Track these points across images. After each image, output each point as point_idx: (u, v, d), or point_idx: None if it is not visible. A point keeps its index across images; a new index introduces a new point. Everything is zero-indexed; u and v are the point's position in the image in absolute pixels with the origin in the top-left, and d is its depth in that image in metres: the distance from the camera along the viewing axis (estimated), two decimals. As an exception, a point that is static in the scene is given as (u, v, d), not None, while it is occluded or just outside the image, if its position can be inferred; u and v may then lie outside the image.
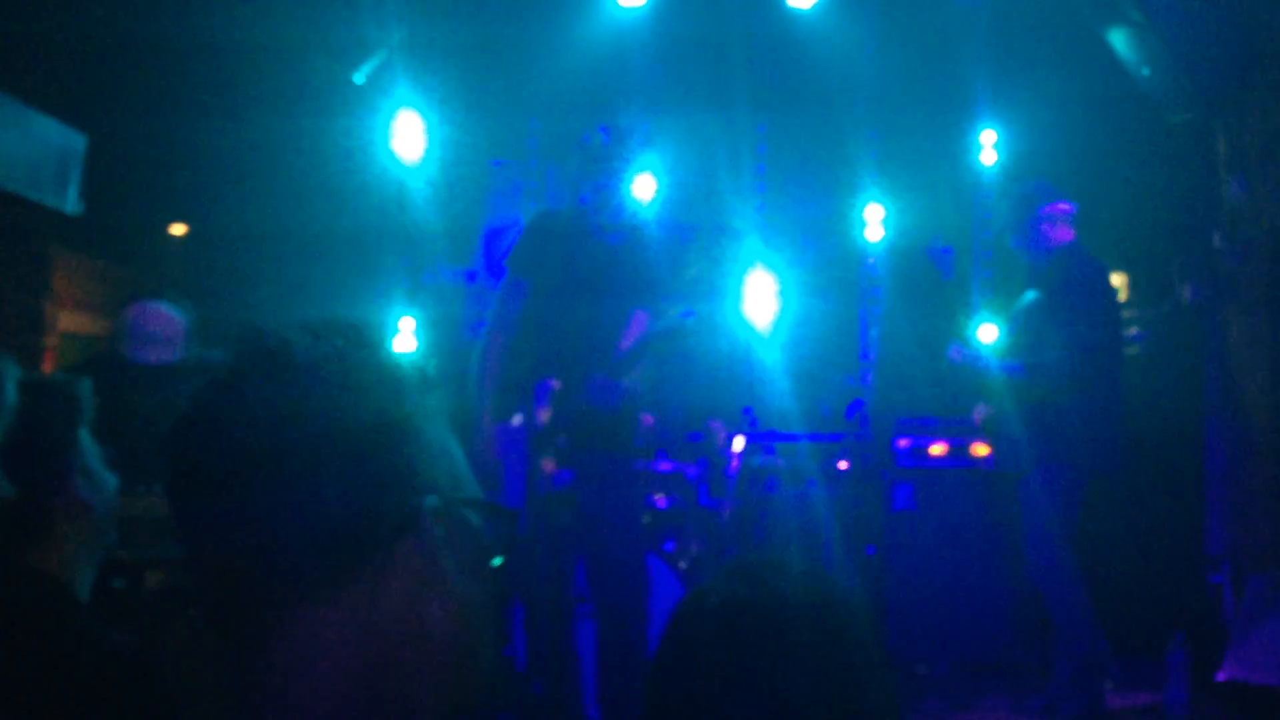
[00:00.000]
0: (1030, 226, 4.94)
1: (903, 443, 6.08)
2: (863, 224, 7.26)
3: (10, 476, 1.62)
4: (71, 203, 4.83)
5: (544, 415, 4.04)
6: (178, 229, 8.26)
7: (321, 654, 0.90)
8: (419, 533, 0.93)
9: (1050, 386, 4.72)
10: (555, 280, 4.23)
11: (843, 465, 6.08)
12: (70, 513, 1.77)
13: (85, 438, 1.82)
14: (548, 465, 3.99)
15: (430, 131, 6.36)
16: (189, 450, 0.93)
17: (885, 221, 7.20)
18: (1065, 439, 4.71)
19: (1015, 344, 4.95)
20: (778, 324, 6.59)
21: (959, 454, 6.00)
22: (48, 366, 6.77)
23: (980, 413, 5.09)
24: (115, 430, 1.93)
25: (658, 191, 4.50)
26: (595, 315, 4.19)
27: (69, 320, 7.47)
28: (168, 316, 3.83)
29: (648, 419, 5.26)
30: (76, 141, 4.86)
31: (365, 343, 0.97)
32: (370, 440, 0.92)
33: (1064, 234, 4.91)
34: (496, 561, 1.05)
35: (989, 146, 6.93)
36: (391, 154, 6.28)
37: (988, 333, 5.92)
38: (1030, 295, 4.97)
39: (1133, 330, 6.27)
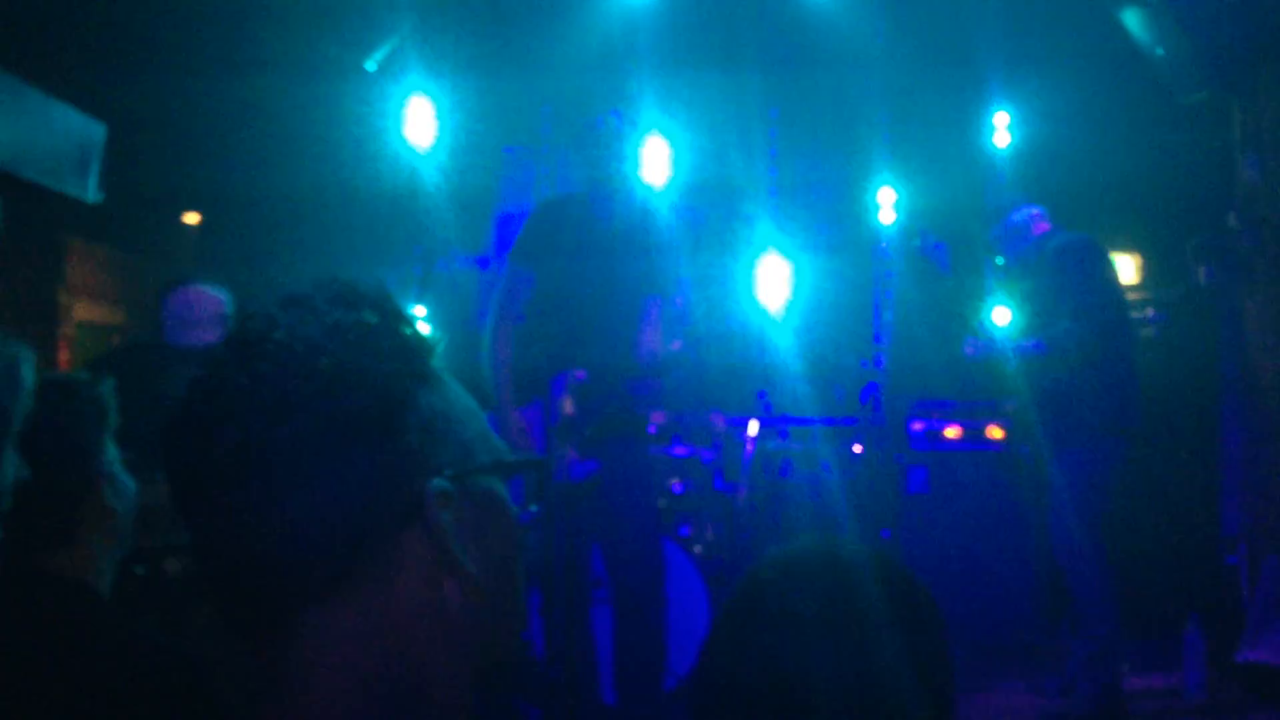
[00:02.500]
0: (1004, 236, 5.07)
1: (917, 426, 6.08)
2: (876, 207, 7.24)
3: (38, 481, 1.61)
4: (92, 192, 4.84)
5: (568, 405, 4.03)
6: (191, 217, 8.28)
7: (336, 652, 0.88)
8: (425, 521, 0.90)
9: (1070, 357, 4.72)
10: (565, 269, 4.20)
11: (857, 449, 6.08)
12: (96, 518, 1.77)
13: (109, 442, 1.81)
14: (571, 456, 3.99)
15: (442, 118, 6.36)
16: (179, 451, 0.90)
17: (898, 205, 7.18)
18: (1085, 414, 4.71)
19: (1029, 326, 4.96)
20: (791, 308, 6.59)
21: (974, 437, 5.99)
22: (63, 355, 6.79)
23: (1010, 406, 5.14)
24: (148, 414, 1.92)
25: (671, 177, 4.49)
26: (609, 304, 4.17)
27: (84, 309, 7.51)
28: (210, 298, 3.80)
29: (658, 416, 5.26)
30: (97, 131, 4.87)
31: (363, 313, 0.93)
32: (366, 431, 0.88)
33: (1041, 227, 4.99)
34: (533, 508, 1.03)
35: (1002, 128, 6.90)
36: (403, 141, 6.28)
37: (1001, 315, 5.91)
38: (1028, 285, 5.02)
39: (1148, 312, 6.26)
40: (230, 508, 0.87)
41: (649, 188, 4.32)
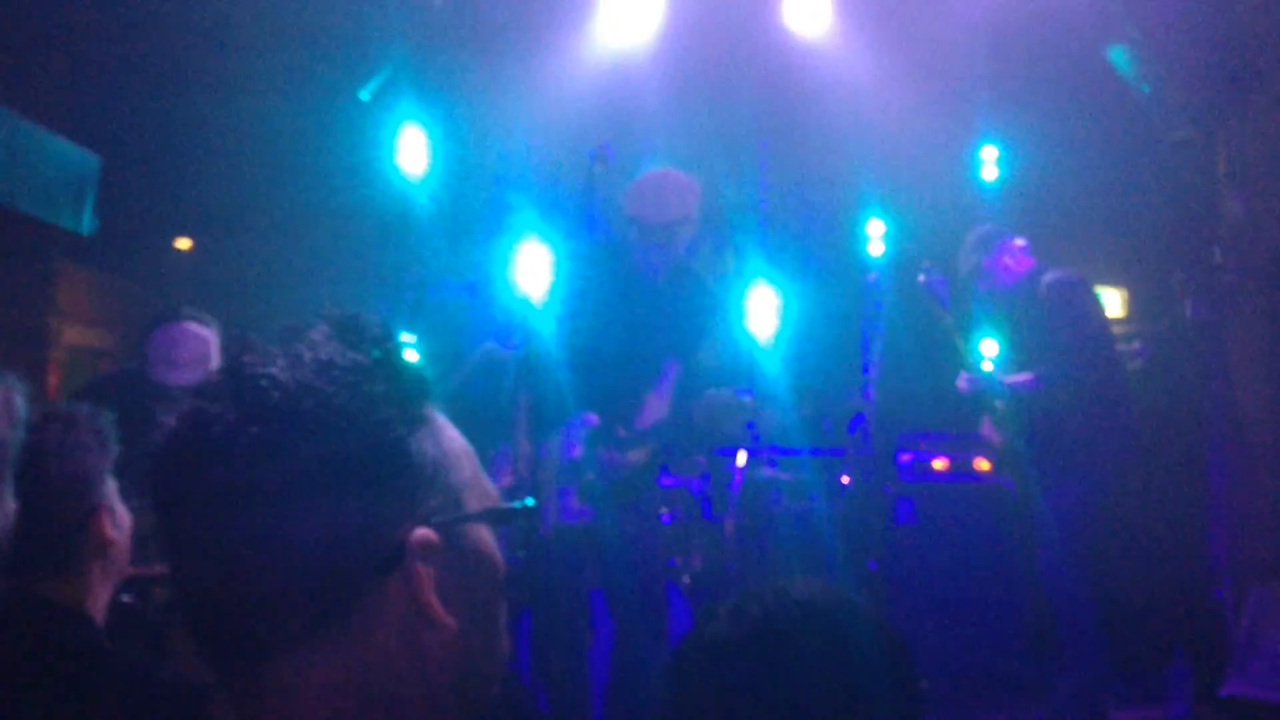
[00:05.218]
0: (990, 268, 5.07)
1: (905, 457, 6.09)
2: (864, 239, 7.28)
3: (40, 511, 1.62)
4: (86, 223, 4.87)
5: (575, 449, 4.05)
6: (183, 243, 8.29)
7: (312, 696, 0.87)
8: (406, 570, 0.88)
9: (1062, 393, 4.75)
10: (592, 316, 4.20)
11: (845, 479, 6.09)
12: (96, 549, 1.78)
13: (110, 473, 1.83)
14: (571, 499, 4.00)
15: (434, 147, 6.38)
16: (164, 483, 0.89)
17: (887, 236, 7.22)
18: (1075, 449, 4.74)
19: (1018, 361, 4.99)
20: (780, 338, 6.60)
21: (961, 468, 6.00)
22: (52, 380, 6.78)
23: (992, 436, 5.16)
24: (133, 444, 1.93)
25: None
26: (629, 358, 4.17)
27: (73, 334, 7.50)
28: (197, 336, 3.74)
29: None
30: (91, 164, 4.90)
31: (361, 351, 0.91)
32: (352, 476, 0.87)
33: (1025, 263, 5.00)
34: (520, 554, 1.02)
35: (991, 162, 6.95)
36: (396, 169, 6.31)
37: (989, 348, 5.94)
38: (1015, 319, 5.05)
39: (1135, 345, 6.29)
40: (210, 543, 0.86)
41: (692, 248, 4.33)
